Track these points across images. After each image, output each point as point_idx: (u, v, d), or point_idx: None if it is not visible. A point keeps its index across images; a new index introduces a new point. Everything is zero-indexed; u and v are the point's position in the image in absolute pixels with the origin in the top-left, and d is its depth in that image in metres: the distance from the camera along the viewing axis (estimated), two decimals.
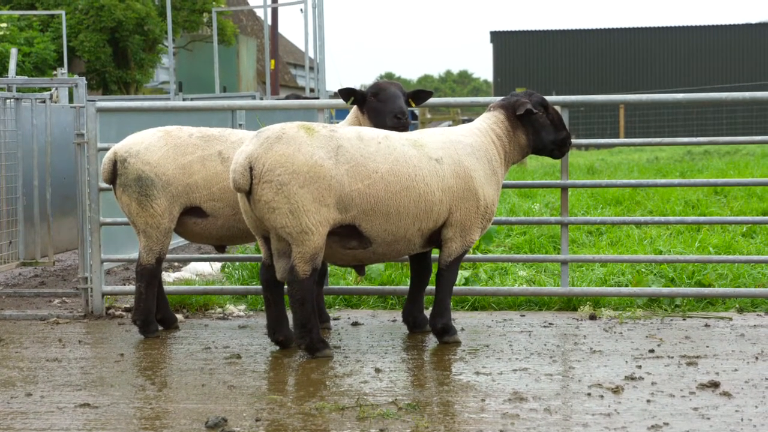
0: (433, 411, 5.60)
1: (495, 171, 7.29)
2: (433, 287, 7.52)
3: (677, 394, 5.87)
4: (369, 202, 6.77)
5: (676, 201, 14.17)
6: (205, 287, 8.91)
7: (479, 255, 9.44)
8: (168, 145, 7.61)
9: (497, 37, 50.98)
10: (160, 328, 7.96)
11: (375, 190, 6.77)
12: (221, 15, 33.00)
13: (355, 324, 8.14)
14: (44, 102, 10.94)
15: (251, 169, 6.63)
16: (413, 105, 7.79)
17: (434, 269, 7.62)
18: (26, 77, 14.01)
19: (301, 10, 23.27)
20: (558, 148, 7.54)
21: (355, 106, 7.76)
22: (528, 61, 49.88)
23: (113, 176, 7.68)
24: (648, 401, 5.72)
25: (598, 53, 49.52)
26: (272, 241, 6.90)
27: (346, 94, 7.69)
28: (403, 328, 7.79)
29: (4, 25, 25.93)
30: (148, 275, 7.68)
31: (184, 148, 7.62)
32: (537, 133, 7.43)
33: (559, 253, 9.43)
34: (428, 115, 27.79)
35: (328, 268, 8.47)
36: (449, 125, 26.42)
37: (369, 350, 7.16)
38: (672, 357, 6.79)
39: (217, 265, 10.33)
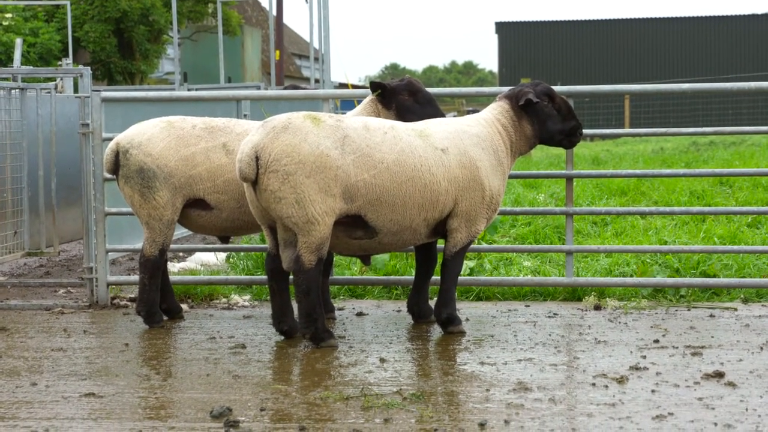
0: (438, 401, 5.60)
1: (501, 161, 7.28)
2: (438, 277, 7.52)
3: (682, 384, 5.87)
4: (375, 192, 6.77)
5: (681, 191, 14.16)
6: (210, 277, 8.92)
7: (484, 245, 9.44)
8: (171, 137, 7.57)
9: (502, 28, 50.89)
10: (165, 318, 7.97)
11: (381, 180, 6.77)
12: (226, 5, 32.98)
13: (359, 314, 8.14)
14: (49, 92, 10.94)
15: (257, 158, 6.62)
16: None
17: (439, 259, 7.62)
18: (31, 67, 14.02)
19: (306, 0, 23.25)
20: (567, 138, 7.51)
21: (369, 99, 7.75)
22: (533, 51, 49.80)
23: (116, 167, 7.67)
24: (653, 391, 5.72)
25: (603, 44, 49.43)
26: (278, 230, 6.91)
27: (376, 86, 7.69)
28: (408, 318, 7.79)
29: (9, 15, 25.95)
30: (152, 266, 7.68)
31: (187, 139, 7.59)
32: (542, 123, 7.40)
33: (563, 244, 9.42)
34: None
35: (334, 258, 8.47)
36: (454, 116, 26.41)
37: (374, 340, 7.17)
38: (677, 347, 6.79)
39: (222, 255, 10.34)
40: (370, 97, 7.80)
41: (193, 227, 7.85)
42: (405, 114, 7.63)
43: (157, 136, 7.57)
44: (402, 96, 7.68)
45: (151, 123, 7.71)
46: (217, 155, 7.55)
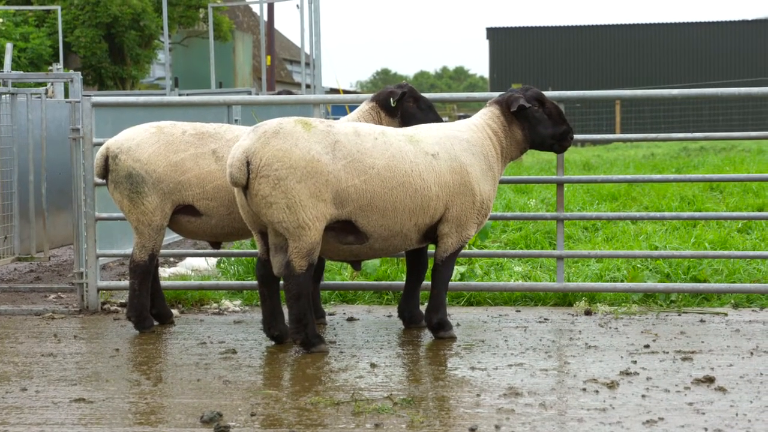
0: (429, 406, 5.60)
1: (491, 166, 7.29)
2: (429, 282, 7.52)
3: (672, 389, 5.88)
4: (365, 197, 6.77)
5: (672, 197, 14.18)
6: (200, 282, 8.91)
7: (475, 250, 9.44)
8: (160, 142, 7.57)
9: (493, 34, 50.90)
10: (156, 323, 7.95)
11: (371, 185, 6.77)
12: (217, 11, 32.93)
13: (350, 319, 8.14)
14: (40, 97, 10.92)
15: (248, 163, 6.62)
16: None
17: (430, 264, 7.62)
18: (21, 72, 13.95)
19: (297, 5, 23.24)
20: (558, 143, 7.52)
21: (369, 106, 7.74)
22: (524, 57, 49.82)
23: (105, 172, 7.67)
24: (643, 396, 5.72)
25: (594, 49, 49.48)
26: (269, 235, 6.90)
27: (403, 94, 7.70)
28: (399, 324, 7.79)
29: None
30: (142, 272, 7.67)
31: (176, 145, 7.58)
32: (533, 127, 7.41)
33: (554, 249, 9.43)
34: None
35: (325, 264, 8.47)
36: (445, 121, 26.38)
37: (364, 345, 7.16)
38: (667, 352, 6.79)
39: (213, 260, 10.33)
40: (368, 104, 7.79)
41: (183, 233, 7.85)
42: (410, 120, 7.65)
43: (146, 141, 7.57)
44: (408, 102, 7.71)
45: (141, 128, 7.70)
46: (207, 162, 7.54)
